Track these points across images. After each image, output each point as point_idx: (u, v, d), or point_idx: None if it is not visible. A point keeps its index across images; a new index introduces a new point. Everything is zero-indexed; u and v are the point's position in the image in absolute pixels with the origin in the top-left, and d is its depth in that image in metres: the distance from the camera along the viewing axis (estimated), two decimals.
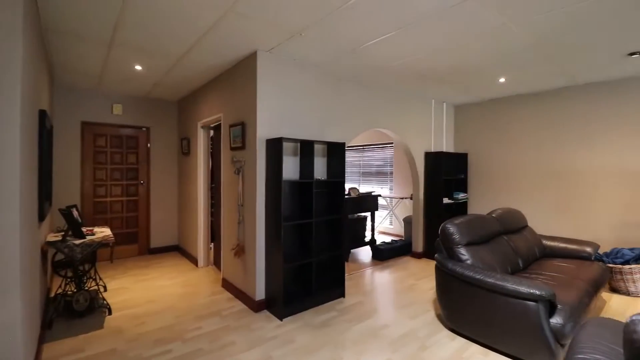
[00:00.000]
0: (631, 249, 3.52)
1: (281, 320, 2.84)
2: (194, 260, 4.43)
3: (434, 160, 4.75)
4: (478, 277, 2.40)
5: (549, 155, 4.35)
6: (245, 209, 3.18)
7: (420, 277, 4.02)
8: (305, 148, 3.16)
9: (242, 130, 3.16)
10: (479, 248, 2.84)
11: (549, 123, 4.34)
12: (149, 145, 4.90)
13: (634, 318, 1.07)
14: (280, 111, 3.14)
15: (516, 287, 2.20)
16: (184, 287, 3.62)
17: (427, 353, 2.36)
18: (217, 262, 4.19)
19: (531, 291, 2.14)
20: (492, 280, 2.32)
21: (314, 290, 3.13)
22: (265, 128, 3.03)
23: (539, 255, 3.54)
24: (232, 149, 3.38)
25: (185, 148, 4.69)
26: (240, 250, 3.21)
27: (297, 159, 3.25)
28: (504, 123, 4.79)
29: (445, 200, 4.76)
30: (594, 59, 3.13)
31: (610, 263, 3.51)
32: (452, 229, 2.80)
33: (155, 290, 3.52)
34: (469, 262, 2.64)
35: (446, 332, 2.67)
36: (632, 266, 3.38)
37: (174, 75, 3.73)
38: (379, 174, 6.73)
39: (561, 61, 3.19)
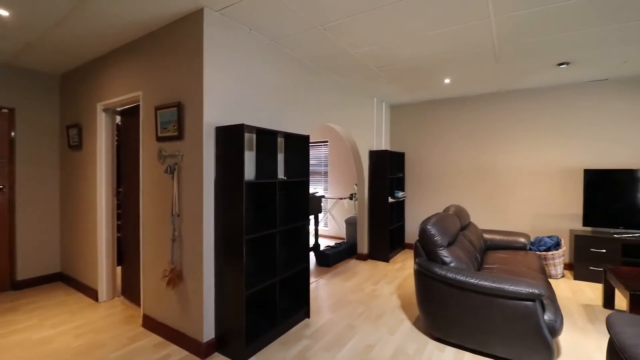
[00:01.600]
0: (549, 237, 4.01)
1: None
2: (91, 293, 3.24)
3: (378, 158, 4.63)
4: (473, 281, 2.23)
5: (478, 155, 4.71)
6: (183, 220, 2.37)
7: (377, 281, 3.80)
8: (266, 140, 2.54)
9: (179, 114, 2.34)
10: (454, 248, 2.73)
11: (478, 125, 4.71)
12: (12, 134, 3.41)
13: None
14: (233, 93, 2.45)
15: (516, 288, 2.10)
16: (82, 336, 2.53)
17: None
18: (128, 292, 3.14)
19: (531, 291, 2.06)
20: (489, 283, 2.18)
21: (279, 316, 2.54)
22: (214, 112, 2.30)
23: (484, 248, 3.72)
24: (159, 139, 2.51)
25: (75, 139, 3.41)
26: (175, 278, 2.38)
27: (253, 153, 2.60)
28: (438, 124, 5.02)
29: (389, 200, 4.71)
30: (530, 65, 3.41)
31: (536, 250, 3.93)
32: (432, 230, 2.60)
33: (33, 349, 2.35)
34: (453, 264, 2.47)
35: (433, 344, 2.44)
36: (553, 252, 3.84)
37: (63, 34, 2.59)
38: (314, 174, 6.38)
39: (507, 62, 3.38)
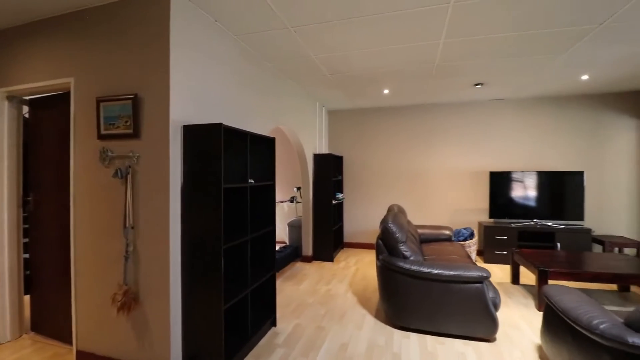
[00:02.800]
0: (465, 229, 4.74)
1: None
2: None
3: (322, 162, 4.76)
4: (434, 271, 2.51)
5: (409, 160, 5.28)
6: (139, 233, 2.04)
7: (328, 281, 3.90)
8: (234, 142, 2.38)
9: (134, 109, 2.01)
10: (409, 243, 3.01)
11: (410, 133, 5.28)
12: None
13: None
14: (197, 88, 2.22)
15: (469, 273, 2.45)
16: None
17: None
18: (42, 326, 2.52)
19: (481, 274, 2.43)
20: (447, 272, 2.49)
21: (250, 329, 2.40)
22: (180, 109, 2.05)
23: (420, 241, 4.19)
24: (103, 137, 2.10)
25: None
26: (131, 301, 2.02)
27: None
28: (375, 130, 5.44)
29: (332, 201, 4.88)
30: (454, 83, 4.01)
31: (456, 240, 4.60)
32: (393, 228, 2.82)
33: None
34: (412, 258, 2.73)
35: (399, 332, 2.65)
36: (469, 241, 4.56)
37: None
38: None
39: (439, 79, 3.89)
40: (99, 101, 2.10)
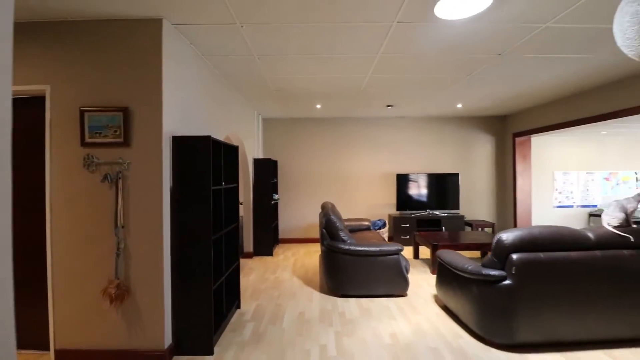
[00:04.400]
0: (379, 220, 5.85)
1: (213, 354, 2.39)
2: None
3: (261, 165, 5.25)
4: (369, 249, 3.35)
5: (336, 164, 6.17)
6: (131, 231, 2.29)
7: (274, 271, 4.45)
8: (214, 150, 2.77)
9: (125, 120, 2.26)
10: (345, 230, 3.81)
11: (337, 141, 6.16)
12: None
13: (500, 235, 2.38)
14: (181, 102, 2.56)
15: (389, 248, 3.36)
16: None
17: (349, 321, 3.00)
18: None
19: (396, 248, 3.37)
20: (375, 248, 3.36)
21: (225, 309, 2.82)
22: (169, 121, 2.38)
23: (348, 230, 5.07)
24: (87, 144, 2.27)
25: None
26: (123, 293, 2.26)
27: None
28: (307, 138, 6.16)
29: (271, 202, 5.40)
30: (372, 104, 5.02)
31: (373, 229, 5.66)
32: (334, 218, 3.58)
33: None
34: (349, 241, 3.53)
35: (341, 299, 3.40)
36: (382, 230, 5.68)
37: None
38: None
39: (361, 100, 4.83)
40: (83, 111, 2.26)
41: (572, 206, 6.48)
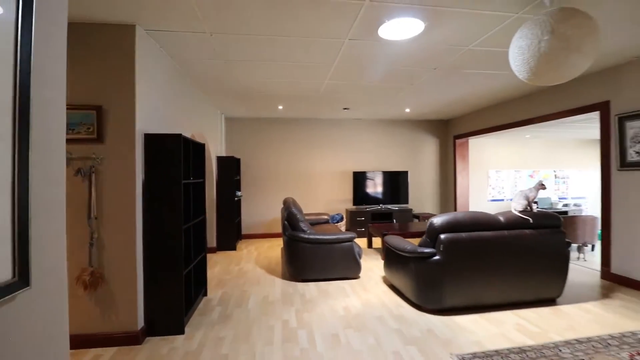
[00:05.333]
0: (337, 214, 6.30)
1: (184, 333, 2.62)
2: None
3: (225, 163, 5.42)
4: (326, 237, 3.74)
5: (298, 162, 6.50)
6: (103, 222, 2.44)
7: (238, 263, 4.68)
8: (183, 147, 2.96)
9: (99, 118, 2.41)
10: (305, 221, 4.17)
11: (298, 140, 6.49)
12: None
13: (432, 219, 2.88)
14: (151, 101, 2.74)
15: (345, 236, 3.78)
16: None
17: (308, 300, 3.36)
18: None
19: (350, 236, 3.80)
20: (333, 237, 3.76)
21: (193, 296, 3.04)
22: (141, 119, 2.56)
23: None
24: None
25: None
26: (97, 280, 2.41)
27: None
28: (270, 137, 6.42)
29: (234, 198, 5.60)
30: (331, 107, 5.43)
31: (332, 223, 6.08)
32: (295, 211, 3.92)
33: None
34: (309, 231, 3.89)
35: (301, 284, 3.75)
36: (340, 223, 6.13)
37: None
38: None
39: (321, 103, 5.22)
40: None
41: (503, 200, 7.44)
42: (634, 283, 3.44)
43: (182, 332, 2.61)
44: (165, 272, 2.60)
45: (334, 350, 2.33)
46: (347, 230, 6.58)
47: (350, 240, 3.82)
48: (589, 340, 2.43)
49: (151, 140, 2.58)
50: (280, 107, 5.46)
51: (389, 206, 6.60)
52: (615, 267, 3.66)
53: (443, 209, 7.09)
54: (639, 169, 3.42)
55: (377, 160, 6.81)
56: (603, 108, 3.76)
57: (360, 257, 3.89)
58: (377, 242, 5.91)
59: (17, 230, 0.67)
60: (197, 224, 3.32)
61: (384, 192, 6.59)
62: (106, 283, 2.45)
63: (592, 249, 5.24)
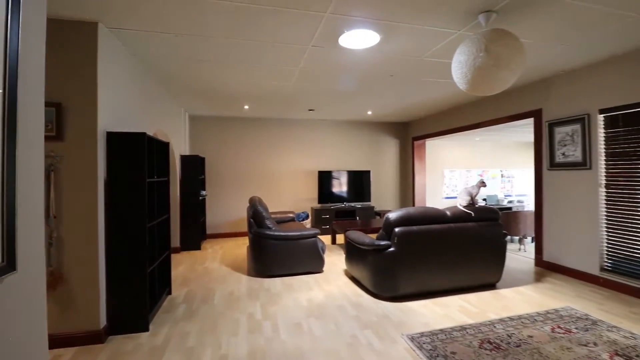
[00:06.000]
0: (303, 212, 6.46)
1: (149, 330, 2.64)
2: None
3: (189, 162, 5.37)
4: (291, 234, 3.89)
5: (264, 161, 6.57)
6: (63, 221, 2.40)
7: (203, 262, 4.68)
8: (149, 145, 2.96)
9: (58, 116, 2.37)
10: (271, 219, 4.28)
11: (265, 140, 6.56)
12: None
13: (388, 214, 3.14)
14: (113, 99, 2.72)
15: (309, 232, 3.95)
16: None
17: (273, 294, 3.49)
18: None
19: (314, 232, 3.98)
20: (298, 233, 3.91)
21: (157, 293, 3.05)
22: (105, 117, 2.54)
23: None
24: None
25: None
26: (57, 280, 2.37)
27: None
28: (236, 136, 6.43)
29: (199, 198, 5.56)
30: (296, 107, 5.58)
31: (298, 220, 6.24)
32: (260, 208, 4.03)
33: None
34: (274, 228, 4.02)
35: (267, 279, 3.87)
36: (305, 221, 6.30)
37: None
38: None
39: (288, 103, 5.35)
40: None
41: (456, 197, 8.03)
42: (562, 268, 3.96)
43: (146, 329, 2.63)
44: (129, 270, 2.60)
45: (297, 337, 2.49)
46: (312, 227, 6.77)
47: (314, 236, 4.00)
48: (519, 317, 2.80)
49: (114, 138, 2.57)
50: (246, 107, 5.51)
51: (353, 204, 6.88)
52: (547, 255, 4.17)
53: (402, 206, 7.51)
54: (564, 169, 3.94)
55: (341, 160, 7.06)
56: (536, 115, 4.27)
57: (323, 252, 4.08)
58: (340, 238, 6.16)
59: (5, 220, 0.75)
60: (161, 222, 3.32)
61: (348, 191, 6.86)
62: (66, 283, 2.41)
63: (532, 241, 5.86)
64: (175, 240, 5.29)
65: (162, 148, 3.34)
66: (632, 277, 3.24)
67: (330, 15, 2.40)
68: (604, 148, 3.50)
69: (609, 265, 3.47)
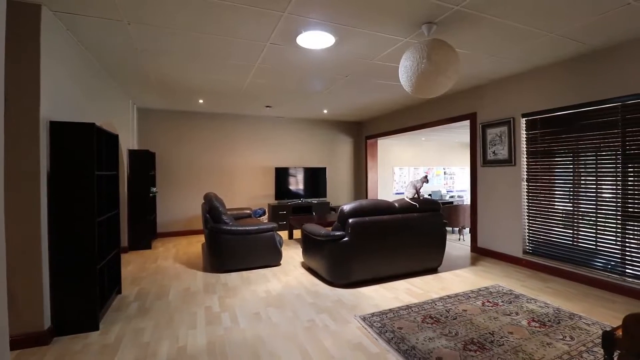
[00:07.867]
0: (259, 208, 6.47)
1: (98, 329, 2.54)
2: None
3: (138, 157, 5.11)
4: (248, 228, 3.92)
5: (220, 158, 6.45)
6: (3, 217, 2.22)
7: (155, 260, 4.51)
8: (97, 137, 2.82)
9: None
10: (227, 215, 4.27)
11: (221, 136, 6.43)
12: None
13: (342, 206, 3.34)
14: (60, 88, 2.55)
15: (265, 226, 4.03)
16: None
17: (231, 288, 3.52)
18: None
19: (272, 226, 4.07)
20: (255, 227, 3.96)
21: (106, 291, 2.92)
22: (48, 107, 2.38)
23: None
24: None
25: None
26: None
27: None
28: (190, 131, 6.22)
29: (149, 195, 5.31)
30: (254, 104, 5.58)
31: (254, 217, 6.25)
32: (217, 204, 4.01)
33: None
34: (231, 223, 4.02)
35: (224, 275, 3.87)
36: (262, 217, 6.33)
37: None
38: None
39: (244, 100, 5.33)
40: None
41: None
42: (492, 253, 4.49)
43: (96, 328, 2.53)
44: (76, 268, 2.48)
45: (256, 326, 2.58)
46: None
47: (272, 230, 4.08)
48: (456, 295, 3.17)
49: (59, 128, 2.43)
50: (201, 101, 5.39)
51: (309, 200, 7.05)
52: (481, 242, 4.70)
53: None
54: (494, 166, 4.47)
55: (298, 156, 7.19)
56: (472, 118, 4.78)
57: (281, 246, 4.18)
58: (297, 234, 6.29)
59: None
60: (110, 218, 3.17)
61: (305, 187, 7.01)
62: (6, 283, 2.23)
63: (470, 231, 6.50)
64: (124, 240, 5.01)
65: (111, 140, 3.19)
66: (548, 258, 3.81)
67: (289, 15, 2.51)
68: (526, 147, 4.06)
69: (530, 248, 4.03)
